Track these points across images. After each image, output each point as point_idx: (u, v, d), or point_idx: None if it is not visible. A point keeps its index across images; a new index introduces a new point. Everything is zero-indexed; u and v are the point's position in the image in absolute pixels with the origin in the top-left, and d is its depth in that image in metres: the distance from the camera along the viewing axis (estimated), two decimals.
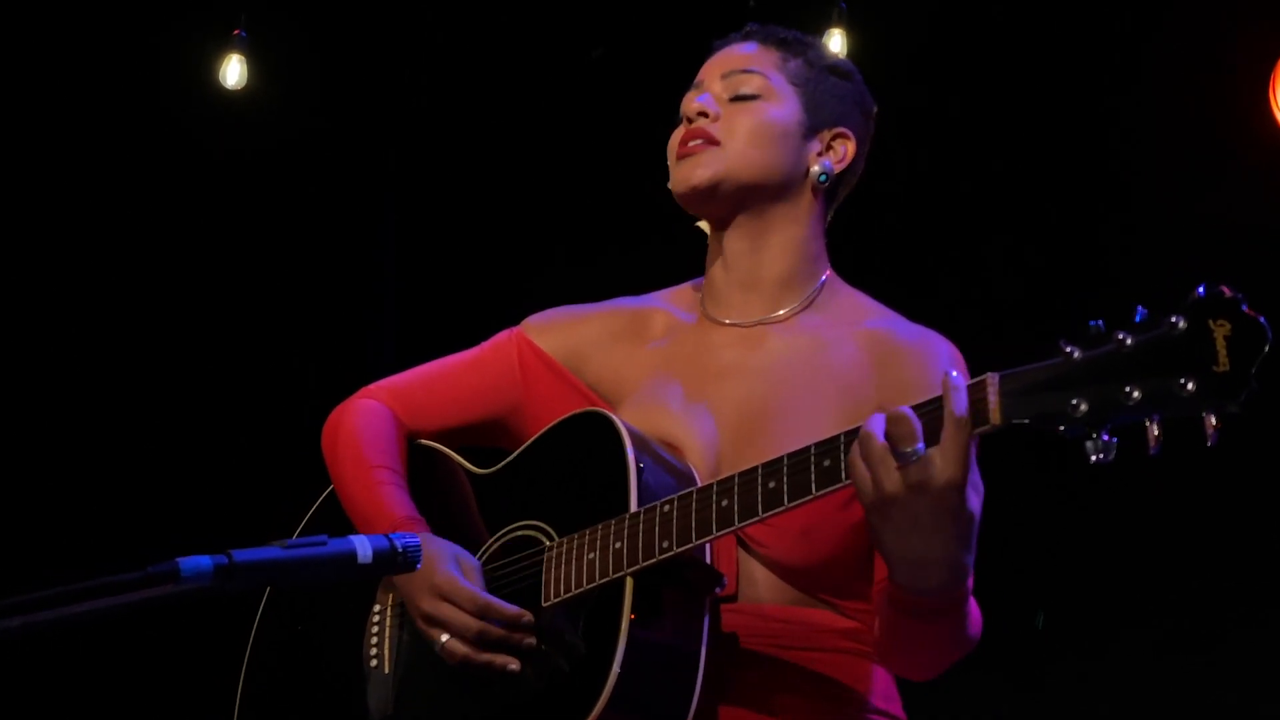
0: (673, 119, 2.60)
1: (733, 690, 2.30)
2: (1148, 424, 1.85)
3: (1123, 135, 4.80)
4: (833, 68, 2.60)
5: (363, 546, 1.92)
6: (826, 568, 2.35)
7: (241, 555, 1.84)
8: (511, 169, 5.59)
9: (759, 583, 2.35)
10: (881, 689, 2.39)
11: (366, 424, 2.57)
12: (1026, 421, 1.93)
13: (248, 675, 2.64)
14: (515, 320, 2.69)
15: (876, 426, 2.01)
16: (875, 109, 2.64)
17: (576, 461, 2.38)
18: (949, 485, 1.99)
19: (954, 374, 1.98)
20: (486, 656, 2.29)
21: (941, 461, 1.98)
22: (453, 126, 5.64)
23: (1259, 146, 4.41)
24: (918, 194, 4.99)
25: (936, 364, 2.39)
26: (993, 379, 1.96)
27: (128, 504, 5.48)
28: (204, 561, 1.81)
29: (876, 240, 4.61)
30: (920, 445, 1.98)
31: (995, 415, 1.95)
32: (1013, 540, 3.91)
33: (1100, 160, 4.87)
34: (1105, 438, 1.88)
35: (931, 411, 1.99)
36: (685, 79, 2.64)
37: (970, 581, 2.15)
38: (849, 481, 2.06)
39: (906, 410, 1.99)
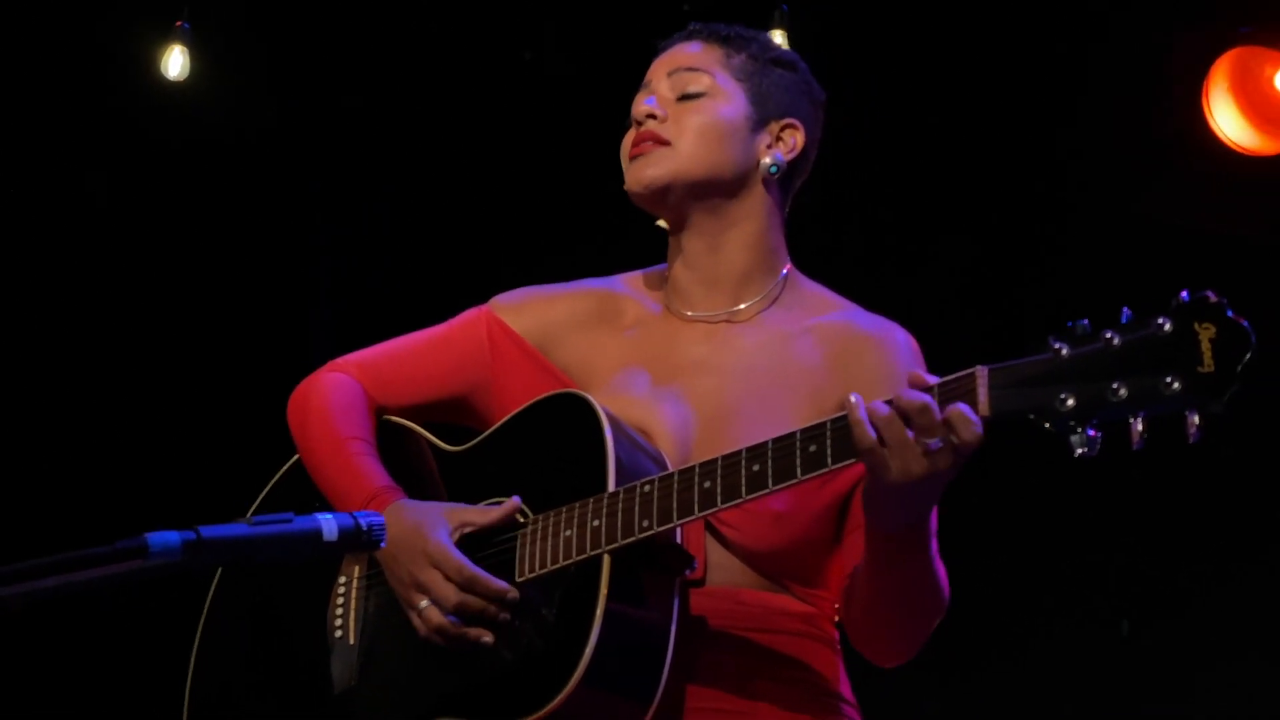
0: (612, 116, 2.63)
1: (696, 669, 2.33)
2: (1132, 421, 1.91)
3: (1063, 138, 4.86)
4: (777, 60, 2.61)
5: (328, 525, 1.94)
6: (793, 553, 2.39)
7: (209, 531, 1.85)
8: (454, 164, 5.60)
9: (725, 567, 2.37)
10: (834, 674, 2.44)
11: (337, 397, 2.56)
12: (1014, 414, 1.98)
13: (201, 646, 2.63)
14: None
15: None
16: (823, 98, 2.66)
17: (552, 441, 2.39)
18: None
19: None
20: (461, 628, 2.30)
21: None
22: (394, 118, 5.65)
23: (1193, 150, 4.51)
24: (860, 193, 5.03)
25: (895, 353, 2.46)
26: (981, 372, 2.01)
27: (70, 482, 5.48)
28: (172, 537, 1.82)
29: (822, 236, 4.64)
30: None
31: (984, 408, 2.00)
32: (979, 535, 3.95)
33: (1041, 161, 4.93)
34: (1090, 433, 1.94)
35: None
36: (626, 79, 2.66)
37: (934, 521, 2.23)
38: (835, 466, 2.12)
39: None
